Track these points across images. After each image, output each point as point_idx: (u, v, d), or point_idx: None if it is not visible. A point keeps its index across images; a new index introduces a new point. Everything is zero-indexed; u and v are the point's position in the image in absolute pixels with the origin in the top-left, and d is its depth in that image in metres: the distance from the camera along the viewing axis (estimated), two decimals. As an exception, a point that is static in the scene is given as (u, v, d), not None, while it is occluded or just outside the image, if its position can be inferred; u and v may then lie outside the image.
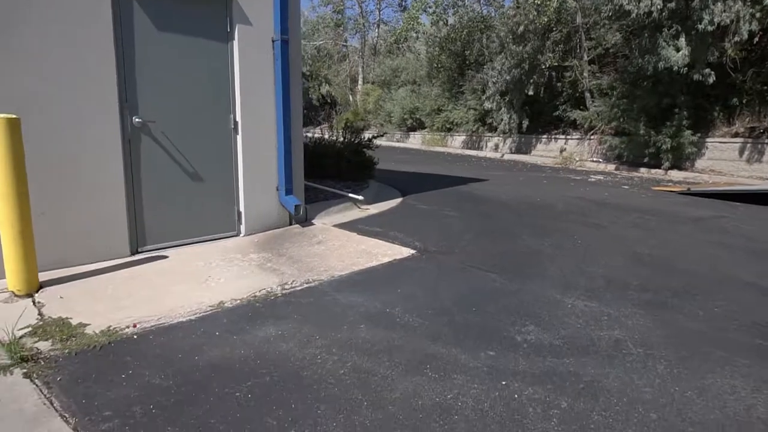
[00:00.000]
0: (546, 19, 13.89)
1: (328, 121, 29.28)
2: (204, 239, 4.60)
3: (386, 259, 4.16)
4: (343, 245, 4.56)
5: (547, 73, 14.71)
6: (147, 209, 4.21)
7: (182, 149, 4.38)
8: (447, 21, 20.55)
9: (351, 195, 6.07)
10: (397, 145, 22.09)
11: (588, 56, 13.76)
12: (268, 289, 3.41)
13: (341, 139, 8.09)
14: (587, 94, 13.65)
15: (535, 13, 13.74)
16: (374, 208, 6.22)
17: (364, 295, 3.37)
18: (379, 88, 26.06)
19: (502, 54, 15.02)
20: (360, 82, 30.46)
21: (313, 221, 5.43)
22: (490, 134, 17.60)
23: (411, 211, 6.26)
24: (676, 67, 10.02)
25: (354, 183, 7.40)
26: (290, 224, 5.27)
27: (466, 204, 6.85)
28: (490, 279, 3.77)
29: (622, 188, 9.03)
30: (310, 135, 8.92)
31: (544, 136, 15.60)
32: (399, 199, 6.96)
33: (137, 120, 4.06)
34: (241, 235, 4.87)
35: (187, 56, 4.34)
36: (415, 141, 21.99)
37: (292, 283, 3.54)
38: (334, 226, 5.28)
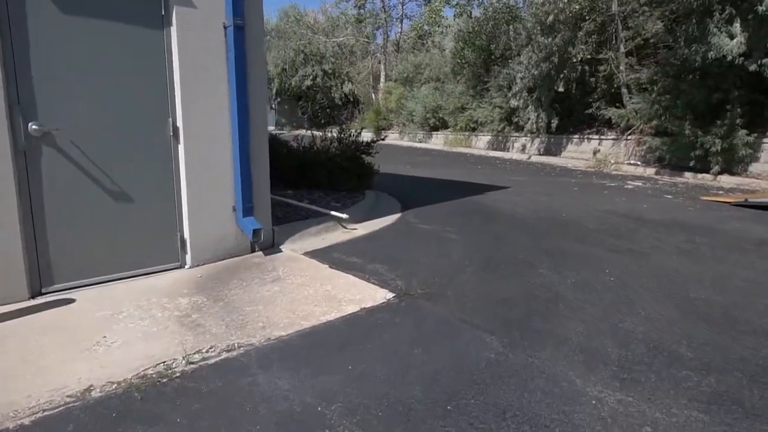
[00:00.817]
0: (578, 7, 12.59)
1: (351, 120, 28.47)
2: (136, 274, 3.70)
3: (351, 308, 3.16)
4: (304, 284, 3.59)
5: (579, 67, 13.41)
6: (54, 240, 3.33)
7: (102, 163, 3.48)
8: (471, 13, 19.35)
9: (333, 213, 5.09)
10: (418, 145, 21.00)
11: (625, 47, 12.37)
12: (169, 362, 2.47)
13: (336, 143, 7.11)
14: (624, 90, 12.28)
15: (566, 1, 12.44)
16: (363, 228, 5.21)
17: (298, 375, 2.39)
18: (402, 86, 25.00)
19: (529, 47, 13.78)
20: (382, 79, 29.46)
21: (281, 247, 4.47)
22: (516, 134, 16.36)
23: (406, 232, 5.23)
24: (729, 57, 8.66)
25: (348, 194, 6.44)
26: (252, 251, 4.34)
27: (476, 221, 5.78)
28: (484, 344, 2.73)
29: (665, 198, 7.78)
30: (300, 136, 7.99)
31: (576, 136, 14.27)
32: (397, 215, 5.93)
33: (35, 127, 3.17)
34: (186, 266, 3.96)
35: (107, 46, 3.44)
36: (438, 141, 20.85)
37: (207, 351, 2.59)
38: (305, 254, 4.32)
